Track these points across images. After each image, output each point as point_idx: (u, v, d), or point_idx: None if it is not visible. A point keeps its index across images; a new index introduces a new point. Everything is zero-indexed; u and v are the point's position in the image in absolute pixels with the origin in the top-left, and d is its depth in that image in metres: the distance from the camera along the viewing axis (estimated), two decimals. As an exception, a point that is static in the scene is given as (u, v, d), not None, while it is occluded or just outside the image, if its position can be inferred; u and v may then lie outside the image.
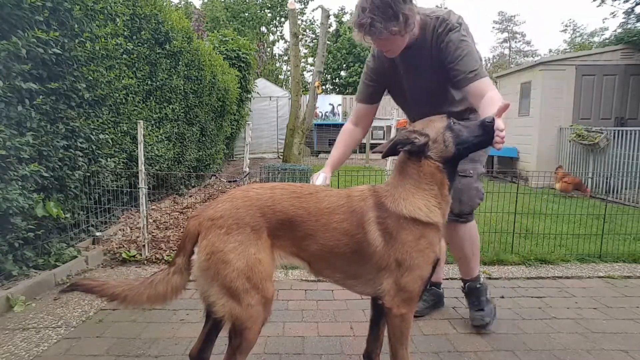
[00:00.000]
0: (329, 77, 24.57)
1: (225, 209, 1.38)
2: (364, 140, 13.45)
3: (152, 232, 3.77)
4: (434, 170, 1.45)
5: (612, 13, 23.05)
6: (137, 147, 3.41)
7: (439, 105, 2.06)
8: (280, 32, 26.81)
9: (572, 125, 7.95)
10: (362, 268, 1.47)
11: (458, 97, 2.07)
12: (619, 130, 6.83)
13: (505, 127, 1.48)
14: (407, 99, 2.20)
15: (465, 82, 1.82)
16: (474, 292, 2.35)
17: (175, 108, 5.24)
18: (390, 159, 8.23)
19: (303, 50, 24.84)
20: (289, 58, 16.77)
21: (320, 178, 1.99)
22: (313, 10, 31.30)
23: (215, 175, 7.34)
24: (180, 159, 5.68)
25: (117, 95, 3.85)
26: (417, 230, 1.42)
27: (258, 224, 1.38)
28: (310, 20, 26.95)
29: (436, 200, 1.45)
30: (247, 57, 10.09)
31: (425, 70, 1.98)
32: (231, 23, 22.16)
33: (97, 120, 3.46)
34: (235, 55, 9.80)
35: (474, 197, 2.15)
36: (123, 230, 3.85)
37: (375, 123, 13.12)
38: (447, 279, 3.06)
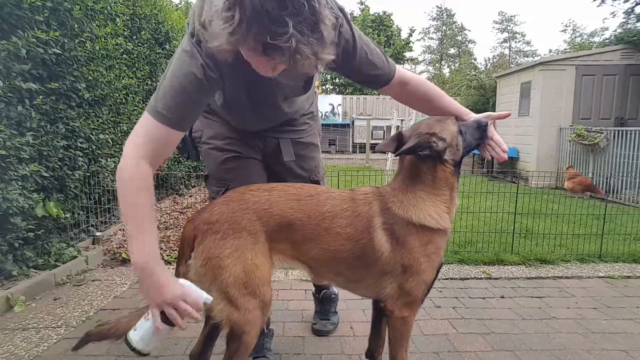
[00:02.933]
0: (328, 77, 24.54)
1: (222, 212, 1.35)
2: (364, 140, 13.30)
3: (152, 232, 3.77)
4: (448, 175, 1.43)
5: (612, 13, 23.18)
6: (137, 147, 3.40)
7: (282, 112, 1.66)
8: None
9: (572, 125, 7.95)
10: (364, 272, 1.45)
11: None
12: (619, 130, 6.83)
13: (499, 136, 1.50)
14: (239, 106, 1.58)
15: (387, 80, 1.55)
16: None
17: (175, 108, 5.23)
18: (390, 159, 8.22)
19: (303, 50, 24.76)
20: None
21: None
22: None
23: (215, 175, 7.32)
24: (180, 158, 5.67)
25: (117, 95, 3.85)
26: (426, 236, 1.39)
27: (255, 228, 1.34)
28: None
29: (446, 205, 1.43)
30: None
31: (292, 77, 1.50)
32: (231, 23, 22.13)
33: (97, 120, 3.46)
34: (235, 55, 9.77)
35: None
36: (123, 230, 3.84)
37: (375, 123, 12.96)
38: (447, 279, 3.07)
